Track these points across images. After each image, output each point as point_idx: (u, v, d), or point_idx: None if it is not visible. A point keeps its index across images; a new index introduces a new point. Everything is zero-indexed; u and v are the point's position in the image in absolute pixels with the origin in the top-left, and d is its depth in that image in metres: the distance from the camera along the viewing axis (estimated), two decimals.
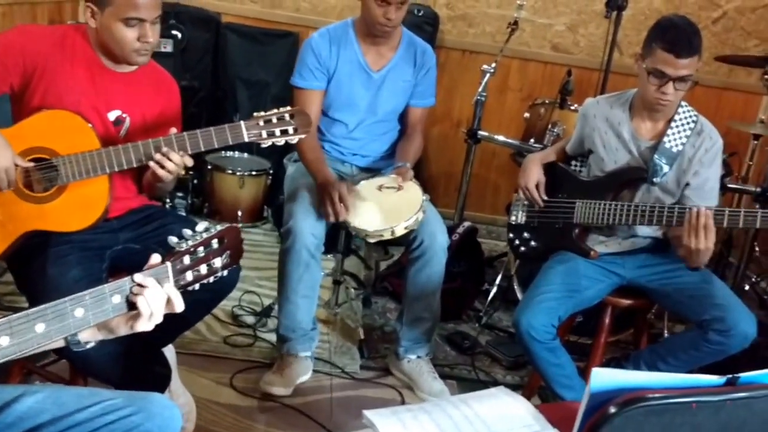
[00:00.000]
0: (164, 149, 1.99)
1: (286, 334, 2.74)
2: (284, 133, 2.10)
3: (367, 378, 2.87)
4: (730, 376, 1.30)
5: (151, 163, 2.00)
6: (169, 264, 1.44)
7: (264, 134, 2.08)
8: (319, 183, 2.64)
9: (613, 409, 1.23)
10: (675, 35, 2.24)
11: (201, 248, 1.49)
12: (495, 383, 2.92)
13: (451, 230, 3.33)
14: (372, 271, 3.81)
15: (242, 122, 2.06)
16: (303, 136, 2.14)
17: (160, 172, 2.01)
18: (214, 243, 1.51)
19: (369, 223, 2.53)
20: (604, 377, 1.25)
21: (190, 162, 2.04)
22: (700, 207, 2.21)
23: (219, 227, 1.54)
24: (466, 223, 3.53)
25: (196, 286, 1.51)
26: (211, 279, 1.54)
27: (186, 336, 2.70)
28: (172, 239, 1.47)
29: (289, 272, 2.64)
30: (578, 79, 3.92)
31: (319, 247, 2.63)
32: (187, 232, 1.49)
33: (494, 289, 3.51)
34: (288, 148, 2.51)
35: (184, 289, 1.48)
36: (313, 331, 2.80)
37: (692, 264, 2.29)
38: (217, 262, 1.53)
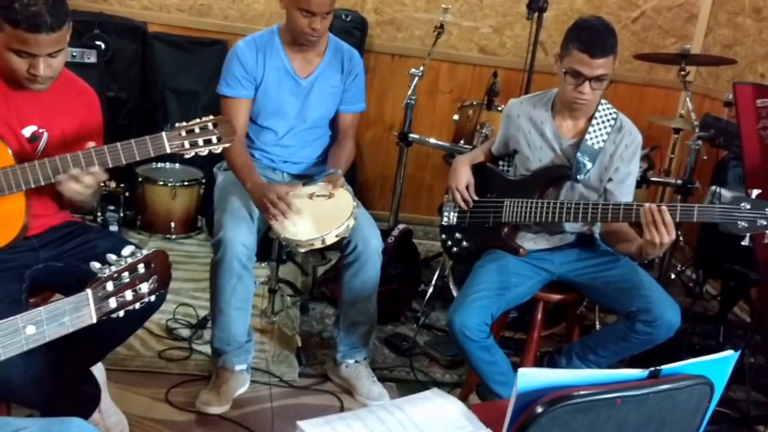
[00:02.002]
0: (73, 171, 1.93)
1: (221, 347, 2.70)
2: (208, 142, 2.07)
3: (306, 385, 2.85)
4: (653, 369, 1.33)
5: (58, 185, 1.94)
6: (89, 291, 1.40)
7: (186, 144, 2.05)
8: (249, 188, 2.61)
9: (539, 409, 1.24)
10: (590, 36, 2.29)
11: (126, 274, 1.45)
12: (434, 383, 2.94)
13: (386, 233, 3.34)
14: (309, 276, 3.79)
15: (164, 133, 2.02)
16: (227, 145, 2.11)
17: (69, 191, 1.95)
18: (141, 268, 1.47)
19: (299, 233, 2.50)
20: (530, 377, 1.26)
21: (103, 176, 1.97)
22: (652, 204, 2.23)
23: (146, 251, 1.50)
24: (401, 226, 3.54)
25: (121, 313, 1.47)
26: (138, 305, 1.50)
27: (118, 352, 2.64)
28: (95, 265, 1.43)
29: (221, 284, 2.60)
30: (506, 80, 4.00)
31: (251, 257, 2.60)
32: (111, 257, 1.45)
33: (431, 289, 3.53)
34: (219, 156, 2.48)
35: (108, 317, 1.44)
36: (249, 343, 2.76)
37: (645, 258, 2.35)
38: (144, 287, 1.49)
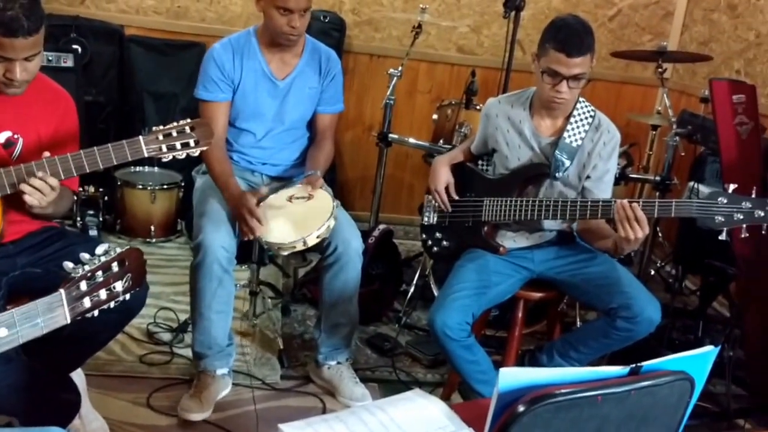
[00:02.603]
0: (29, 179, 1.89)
1: (202, 351, 2.68)
2: (185, 146, 2.06)
3: (289, 387, 2.84)
4: (634, 365, 1.33)
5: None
6: (62, 291, 1.38)
7: (164, 148, 2.03)
8: (227, 200, 2.60)
9: (521, 408, 1.24)
10: (567, 35, 2.30)
11: (100, 273, 1.43)
12: (417, 383, 2.95)
13: (366, 234, 3.33)
14: (290, 278, 3.78)
15: (141, 137, 2.00)
16: (205, 148, 2.10)
17: (28, 199, 1.92)
18: (114, 266, 1.46)
19: (280, 237, 2.49)
20: (512, 376, 1.26)
21: (54, 182, 1.94)
22: (623, 201, 2.23)
23: (119, 249, 1.48)
24: (382, 226, 3.54)
25: (95, 313, 1.45)
26: (112, 304, 1.48)
27: (99, 357, 2.61)
28: (68, 265, 1.42)
29: (202, 288, 2.59)
30: (484, 79, 4.00)
31: (231, 260, 2.59)
32: (85, 256, 1.44)
33: (412, 289, 3.54)
34: (197, 160, 2.48)
35: (82, 317, 1.42)
36: (230, 347, 2.75)
37: (621, 254, 2.36)
38: (118, 285, 1.47)
